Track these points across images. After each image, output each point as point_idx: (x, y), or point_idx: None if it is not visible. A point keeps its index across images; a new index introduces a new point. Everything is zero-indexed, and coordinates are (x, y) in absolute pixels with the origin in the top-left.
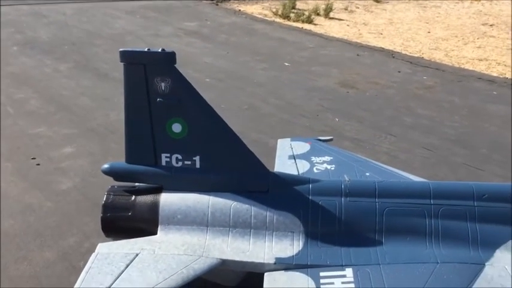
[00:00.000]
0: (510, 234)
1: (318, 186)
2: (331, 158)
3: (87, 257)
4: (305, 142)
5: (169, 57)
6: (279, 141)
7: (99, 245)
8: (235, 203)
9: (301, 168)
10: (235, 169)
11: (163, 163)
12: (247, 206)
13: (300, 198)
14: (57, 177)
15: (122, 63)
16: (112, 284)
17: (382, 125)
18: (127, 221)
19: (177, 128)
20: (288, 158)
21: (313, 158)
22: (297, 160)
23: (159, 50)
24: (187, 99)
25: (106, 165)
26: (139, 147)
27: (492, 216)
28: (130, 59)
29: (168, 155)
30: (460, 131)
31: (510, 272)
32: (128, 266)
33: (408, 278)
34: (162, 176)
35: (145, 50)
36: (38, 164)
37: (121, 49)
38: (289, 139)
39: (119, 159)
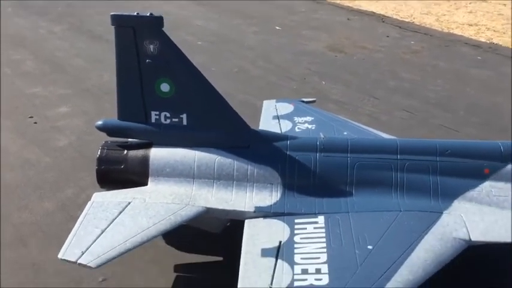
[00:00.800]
0: (468, 186)
1: (295, 142)
2: (313, 118)
3: (83, 208)
4: (289, 103)
5: (157, 21)
6: (265, 102)
7: (95, 194)
8: (219, 157)
9: (284, 127)
10: (219, 126)
11: (153, 120)
12: (230, 160)
13: (278, 153)
14: (54, 134)
15: (113, 26)
16: (107, 227)
17: (367, 88)
18: (120, 173)
19: (165, 87)
20: (272, 118)
21: (295, 118)
22: (280, 120)
23: (148, 14)
24: (174, 61)
25: (100, 122)
26: (130, 105)
27: (453, 170)
28: (120, 22)
29: (157, 112)
30: (441, 94)
31: (465, 220)
32: (120, 212)
33: (373, 224)
34: (152, 132)
35: (135, 14)
36: (35, 123)
37: (112, 13)
38: (274, 100)
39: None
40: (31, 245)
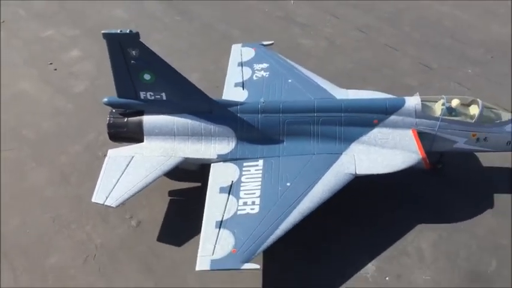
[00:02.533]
0: (362, 132)
1: (243, 107)
2: (268, 65)
3: (103, 148)
4: (251, 48)
5: (135, 36)
6: (233, 46)
7: (109, 151)
8: (191, 121)
9: (245, 75)
10: (189, 99)
11: (142, 97)
12: (199, 122)
13: (232, 116)
14: (72, 81)
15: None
16: (119, 177)
17: (330, 7)
18: (124, 134)
19: (147, 76)
20: (237, 65)
21: (255, 65)
22: (243, 67)
23: (128, 31)
24: (151, 60)
25: (106, 99)
26: (124, 89)
27: (352, 122)
28: (109, 38)
29: (144, 92)
30: (397, 8)
31: (355, 158)
32: (127, 165)
33: (293, 165)
34: (142, 105)
35: (119, 31)
36: (55, 69)
37: (102, 31)
38: (240, 45)
39: None
40: (72, 182)
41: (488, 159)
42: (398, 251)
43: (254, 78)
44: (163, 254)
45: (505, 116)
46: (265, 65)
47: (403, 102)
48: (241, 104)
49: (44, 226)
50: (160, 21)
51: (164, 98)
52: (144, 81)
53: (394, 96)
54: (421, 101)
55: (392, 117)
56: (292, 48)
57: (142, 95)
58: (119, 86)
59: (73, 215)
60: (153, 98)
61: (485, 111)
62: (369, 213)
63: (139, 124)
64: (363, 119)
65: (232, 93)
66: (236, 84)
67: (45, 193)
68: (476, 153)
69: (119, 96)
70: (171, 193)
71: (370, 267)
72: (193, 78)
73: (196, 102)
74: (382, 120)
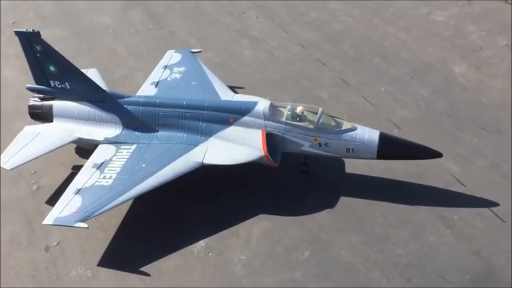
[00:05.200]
0: (219, 129)
1: (128, 100)
2: (185, 68)
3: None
4: (180, 54)
5: (37, 34)
6: (168, 51)
7: (25, 127)
8: (88, 108)
9: (163, 76)
10: (87, 90)
11: (52, 85)
12: (93, 109)
13: (119, 106)
14: None
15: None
16: (22, 148)
17: (287, 22)
18: (39, 114)
19: (52, 68)
20: (162, 67)
21: (174, 68)
22: (165, 69)
23: (31, 31)
24: (52, 55)
25: (27, 85)
26: (38, 77)
27: (212, 119)
28: (20, 35)
29: (53, 81)
30: (345, 27)
31: (207, 150)
32: (32, 139)
33: (157, 150)
34: (53, 92)
35: (25, 30)
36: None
37: (14, 30)
38: (173, 51)
39: None
40: None
41: (354, 167)
42: (231, 233)
43: (168, 79)
44: (45, 213)
45: (345, 125)
46: (182, 69)
47: (254, 105)
48: (128, 96)
49: None
50: (135, 27)
51: (68, 87)
52: (50, 72)
53: (253, 100)
54: (273, 105)
55: (245, 118)
56: (234, 57)
57: (52, 83)
58: (34, 75)
59: None
60: (60, 86)
61: (325, 119)
62: (224, 197)
63: (50, 107)
64: (221, 117)
65: (146, 89)
66: (152, 83)
67: None
68: (345, 160)
69: (36, 83)
70: (74, 168)
71: (200, 243)
72: (138, 76)
73: (92, 92)
74: (237, 120)
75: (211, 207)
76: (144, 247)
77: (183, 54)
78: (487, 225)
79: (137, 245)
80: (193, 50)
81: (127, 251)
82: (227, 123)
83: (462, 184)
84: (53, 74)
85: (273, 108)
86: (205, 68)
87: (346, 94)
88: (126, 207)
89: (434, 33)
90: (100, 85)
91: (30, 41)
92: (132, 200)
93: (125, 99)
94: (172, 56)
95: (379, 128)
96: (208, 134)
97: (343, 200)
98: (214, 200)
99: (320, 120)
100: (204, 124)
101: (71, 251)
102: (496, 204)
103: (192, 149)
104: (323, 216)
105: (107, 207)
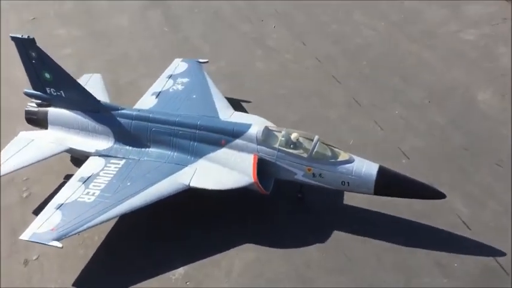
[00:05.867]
0: (210, 150)
1: (121, 112)
2: (189, 80)
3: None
4: (187, 63)
5: (32, 41)
6: (175, 60)
7: (20, 132)
8: (81, 117)
9: (166, 86)
10: (81, 99)
11: (48, 92)
12: (87, 120)
13: (112, 119)
14: None
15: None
16: (14, 154)
17: (306, 32)
18: (35, 120)
19: (47, 75)
20: (166, 76)
21: (178, 79)
22: (169, 79)
23: (26, 37)
24: (47, 62)
25: (25, 90)
26: (35, 83)
27: (204, 139)
28: (16, 40)
29: (49, 89)
30: (367, 41)
31: (196, 172)
32: (25, 146)
33: (145, 168)
34: (49, 99)
35: (20, 36)
36: None
37: (10, 35)
38: (180, 59)
39: None
40: None
41: (353, 198)
42: (212, 262)
43: (170, 90)
44: (29, 224)
45: (342, 156)
46: (185, 80)
47: (248, 128)
48: (121, 109)
49: None
50: (151, 30)
51: (63, 95)
52: (46, 79)
53: (248, 122)
54: (268, 129)
55: (238, 141)
56: (245, 68)
57: (48, 90)
58: (31, 81)
59: None
60: (55, 94)
61: (321, 148)
62: (210, 221)
63: (45, 114)
64: (213, 138)
65: (146, 100)
66: (153, 93)
67: None
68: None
69: (33, 89)
70: (66, 177)
71: (180, 271)
72: (144, 82)
73: (87, 102)
74: (229, 142)
75: (195, 230)
76: (122, 269)
77: (190, 64)
78: (489, 276)
79: (116, 266)
80: (201, 60)
81: (104, 273)
82: (218, 144)
83: (468, 227)
84: (49, 81)
85: (268, 132)
86: (209, 80)
87: (356, 116)
88: (110, 225)
89: (462, 53)
90: (101, 92)
91: (26, 47)
92: (117, 218)
93: (119, 111)
94: (178, 65)
95: (385, 156)
96: (199, 154)
97: (336, 235)
98: (199, 223)
99: (315, 149)
100: (196, 144)
101: (49, 267)
102: (503, 254)
103: (180, 169)
104: (312, 251)
105: (84, 227)
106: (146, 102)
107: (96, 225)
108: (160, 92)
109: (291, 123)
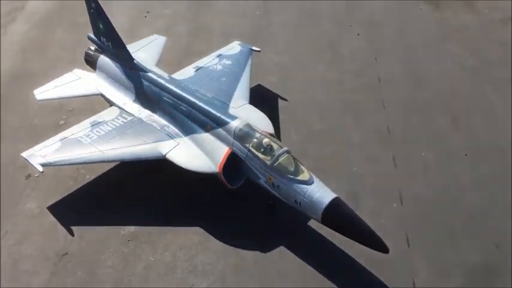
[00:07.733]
0: (197, 131)
1: (146, 75)
2: (231, 63)
3: None
4: (240, 47)
5: None
6: (234, 42)
7: (75, 69)
8: (119, 70)
9: (210, 63)
10: (122, 54)
11: (102, 41)
12: (122, 74)
13: (139, 78)
14: None
15: None
16: (60, 85)
17: (385, 49)
18: (90, 62)
19: (101, 26)
20: (217, 55)
21: (223, 60)
22: (216, 58)
23: None
24: (100, 13)
25: (88, 35)
26: (94, 31)
27: (195, 119)
28: None
29: (102, 38)
30: (441, 74)
31: (177, 146)
32: (72, 81)
33: (140, 129)
34: (102, 46)
35: None
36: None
37: None
38: (238, 42)
39: None
40: None
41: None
42: (161, 232)
43: (210, 68)
44: None
45: (303, 176)
46: (228, 62)
47: (232, 120)
48: (145, 71)
49: None
50: (245, 9)
51: (111, 46)
52: (100, 29)
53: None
54: (249, 126)
55: (219, 130)
56: (304, 66)
57: (101, 39)
58: (92, 27)
59: None
60: (106, 44)
61: (286, 161)
62: (185, 199)
63: (96, 59)
64: (202, 121)
65: (186, 71)
66: (195, 67)
67: None
68: None
69: (94, 35)
70: None
71: (130, 228)
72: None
73: (125, 58)
74: (213, 128)
75: (163, 201)
76: (87, 211)
77: (242, 49)
78: None
79: (84, 205)
80: (254, 48)
81: (72, 208)
82: (204, 128)
83: None
84: (102, 31)
85: (247, 129)
86: (248, 68)
87: (377, 147)
88: (103, 170)
89: None
90: (152, 54)
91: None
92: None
93: (145, 73)
94: (233, 47)
95: (378, 194)
96: (188, 132)
97: (289, 258)
98: (172, 196)
99: (278, 161)
100: (189, 122)
101: (43, 186)
102: None
103: (166, 139)
104: (248, 256)
105: (67, 162)
106: (184, 73)
107: (78, 163)
108: (201, 67)
109: (308, 131)
